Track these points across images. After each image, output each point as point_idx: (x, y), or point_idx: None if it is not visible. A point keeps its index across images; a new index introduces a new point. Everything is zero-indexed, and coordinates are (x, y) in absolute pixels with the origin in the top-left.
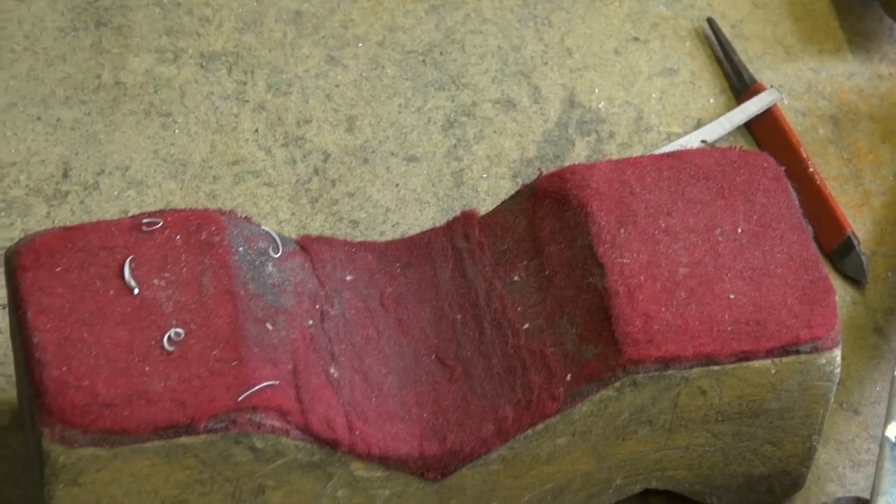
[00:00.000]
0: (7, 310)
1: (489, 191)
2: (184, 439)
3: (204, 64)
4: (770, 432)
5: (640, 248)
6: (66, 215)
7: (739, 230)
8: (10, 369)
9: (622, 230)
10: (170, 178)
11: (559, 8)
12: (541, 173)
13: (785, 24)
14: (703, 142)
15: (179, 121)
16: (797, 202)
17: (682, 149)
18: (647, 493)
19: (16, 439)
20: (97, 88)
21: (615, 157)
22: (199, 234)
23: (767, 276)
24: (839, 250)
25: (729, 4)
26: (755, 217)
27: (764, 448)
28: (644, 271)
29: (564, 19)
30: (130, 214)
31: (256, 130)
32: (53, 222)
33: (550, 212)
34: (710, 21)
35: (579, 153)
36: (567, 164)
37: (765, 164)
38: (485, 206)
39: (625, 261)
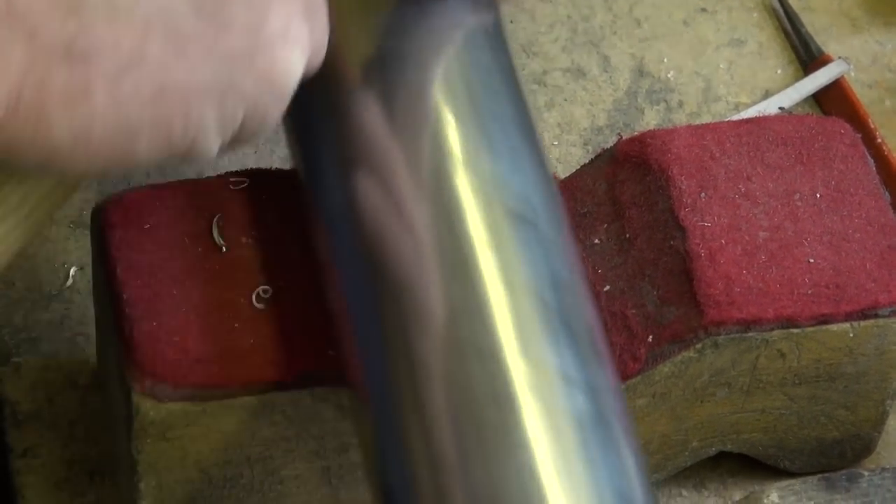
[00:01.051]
0: (85, 270)
1: (560, 158)
2: (272, 395)
3: None
4: (845, 396)
5: (721, 212)
6: (141, 177)
7: (818, 195)
8: (89, 329)
9: (703, 194)
10: None
11: None
12: (620, 138)
13: None
14: (780, 109)
15: None
16: (874, 169)
17: (760, 115)
18: (719, 456)
19: (95, 398)
20: None
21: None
22: (285, 193)
23: (846, 240)
24: None
25: None
26: (833, 183)
27: (838, 412)
28: (725, 235)
29: None
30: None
31: None
32: (129, 184)
33: (631, 176)
34: None
35: (649, 122)
36: (637, 132)
37: (842, 131)
38: (556, 173)
39: (706, 224)
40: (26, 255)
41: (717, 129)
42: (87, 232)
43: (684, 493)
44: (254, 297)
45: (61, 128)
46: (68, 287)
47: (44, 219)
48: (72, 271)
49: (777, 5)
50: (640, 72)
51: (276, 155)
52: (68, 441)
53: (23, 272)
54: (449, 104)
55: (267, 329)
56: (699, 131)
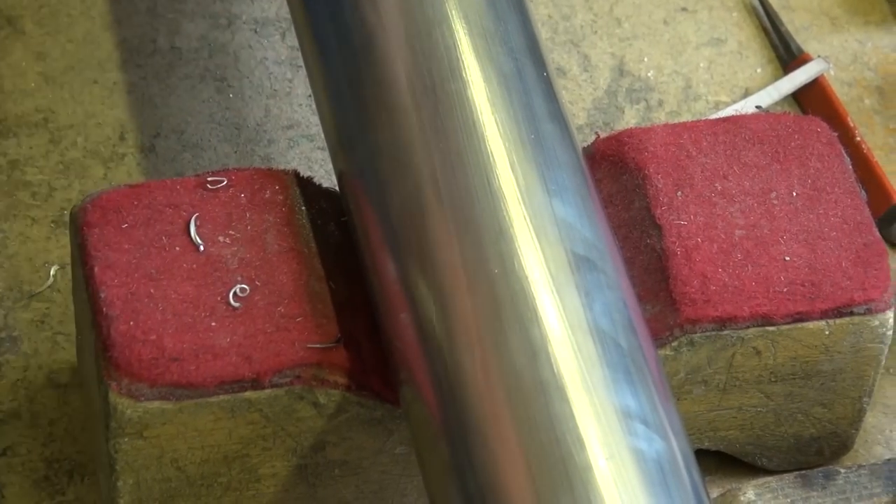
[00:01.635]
0: (66, 269)
1: None
2: (249, 394)
3: (258, 30)
4: (821, 393)
5: (697, 211)
6: (122, 177)
7: (794, 194)
8: (69, 328)
9: (679, 193)
10: (224, 141)
11: None
12: (598, 137)
13: None
14: (757, 107)
15: (234, 85)
16: (850, 167)
17: (737, 114)
18: (696, 453)
19: (76, 397)
20: (153, 53)
21: None
22: (263, 192)
23: (822, 238)
24: (885, 218)
25: None
26: (809, 181)
27: (815, 409)
28: (701, 233)
29: None
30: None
31: (310, 95)
32: (110, 184)
33: (608, 174)
34: None
35: (628, 121)
36: (616, 131)
37: (818, 130)
38: None
39: (682, 222)
40: (7, 254)
41: (693, 128)
42: (68, 231)
43: None
44: (231, 295)
45: None
46: (49, 286)
47: None
48: (52, 270)
49: (757, 4)
50: (621, 71)
51: (257, 154)
52: (48, 440)
53: (3, 271)
54: None
55: (243, 328)
56: (676, 130)
